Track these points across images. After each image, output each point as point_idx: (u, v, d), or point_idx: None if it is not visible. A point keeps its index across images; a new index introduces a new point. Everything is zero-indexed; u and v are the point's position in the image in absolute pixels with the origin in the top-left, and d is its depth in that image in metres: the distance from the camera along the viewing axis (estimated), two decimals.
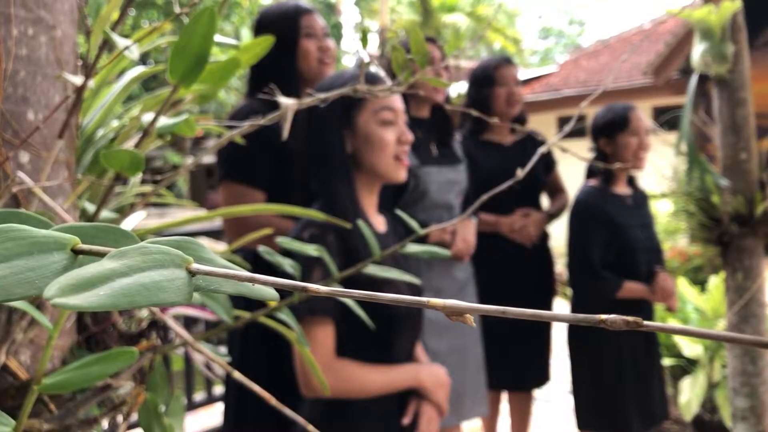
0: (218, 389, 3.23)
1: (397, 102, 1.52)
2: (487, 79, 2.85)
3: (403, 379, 1.46)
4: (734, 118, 2.44)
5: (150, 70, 0.96)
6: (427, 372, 1.50)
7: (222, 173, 1.97)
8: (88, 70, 0.61)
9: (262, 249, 0.67)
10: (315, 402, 1.43)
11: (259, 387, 0.70)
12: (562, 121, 11.49)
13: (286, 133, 0.61)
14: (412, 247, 0.71)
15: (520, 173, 0.85)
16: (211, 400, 3.27)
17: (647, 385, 2.58)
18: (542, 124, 11.49)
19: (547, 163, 2.99)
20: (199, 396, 3.31)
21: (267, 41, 0.80)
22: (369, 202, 1.55)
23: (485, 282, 2.67)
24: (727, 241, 2.49)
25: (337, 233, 1.39)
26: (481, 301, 2.59)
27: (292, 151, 1.92)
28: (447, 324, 2.41)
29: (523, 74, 13.22)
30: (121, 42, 0.60)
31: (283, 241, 0.67)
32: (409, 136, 1.51)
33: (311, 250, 0.68)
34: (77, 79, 0.64)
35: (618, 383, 2.52)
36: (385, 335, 1.44)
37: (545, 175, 2.95)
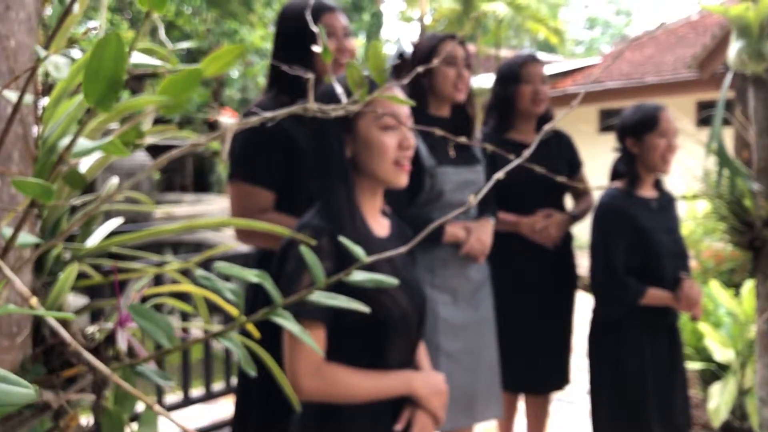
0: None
1: (401, 107, 1.49)
2: (513, 77, 2.79)
3: (394, 385, 1.44)
4: None
5: None
6: (421, 379, 1.48)
7: (231, 172, 1.97)
8: (26, 81, 0.60)
9: (199, 273, 0.65)
10: (307, 406, 1.42)
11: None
12: (604, 114, 11.28)
13: (224, 155, 0.59)
14: (358, 275, 0.68)
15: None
16: (229, 390, 3.29)
17: (670, 392, 2.51)
18: (584, 117, 11.31)
19: (573, 163, 2.92)
20: (218, 386, 3.34)
21: (236, 50, 0.77)
22: (370, 206, 1.53)
23: (505, 283, 2.63)
24: (759, 247, 2.41)
25: (332, 236, 1.38)
26: (500, 302, 2.55)
27: (302, 151, 1.91)
28: (462, 325, 2.37)
29: (565, 65, 13.02)
30: (44, 56, 0.58)
31: (221, 266, 0.65)
32: (411, 142, 1.48)
33: (251, 275, 0.65)
34: (12, 94, 0.62)
35: (639, 390, 2.45)
36: (377, 341, 1.43)
37: (570, 175, 2.88)
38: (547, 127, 0.92)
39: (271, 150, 1.94)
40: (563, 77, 12.40)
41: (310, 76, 0.71)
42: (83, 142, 0.56)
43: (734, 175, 2.40)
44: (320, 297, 0.64)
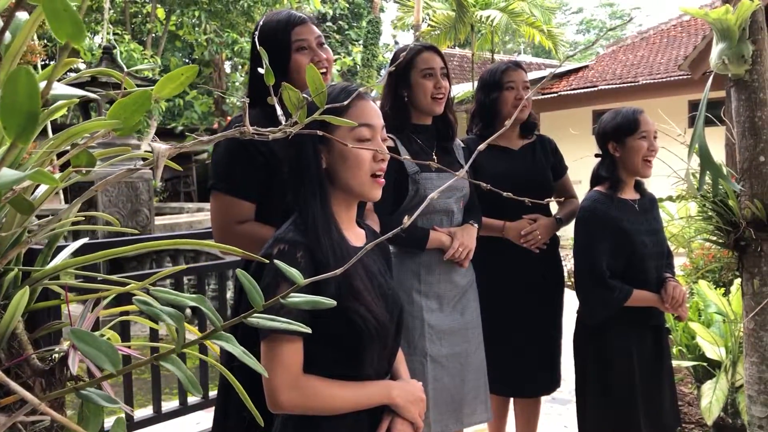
0: None
1: (376, 118, 1.50)
2: (496, 84, 2.82)
3: (373, 395, 1.45)
4: (753, 120, 2.38)
5: (66, 102, 0.97)
6: (399, 389, 1.49)
7: (211, 184, 1.99)
8: None
9: (137, 298, 0.67)
10: (286, 418, 1.43)
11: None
12: (598, 115, 11.30)
13: (158, 179, 0.61)
14: (294, 298, 0.70)
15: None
16: None
17: (657, 391, 2.53)
18: (578, 118, 11.33)
19: (557, 168, 2.94)
20: (214, 392, 3.35)
21: (190, 70, 0.79)
22: (345, 216, 1.53)
23: (492, 287, 2.65)
24: (744, 246, 2.43)
25: (307, 248, 1.39)
26: (488, 306, 2.57)
27: (282, 161, 1.93)
28: (448, 330, 2.40)
29: (559, 68, 13.01)
30: None
31: (158, 291, 0.67)
32: (386, 154, 1.49)
33: (188, 300, 0.67)
34: None
35: (626, 389, 2.47)
36: (354, 350, 1.43)
37: (555, 180, 2.91)
38: (481, 147, 0.93)
39: (251, 161, 1.96)
40: (557, 79, 12.43)
41: (246, 100, 0.73)
42: (9, 172, 0.58)
43: (716, 176, 2.42)
44: (259, 319, 0.66)
